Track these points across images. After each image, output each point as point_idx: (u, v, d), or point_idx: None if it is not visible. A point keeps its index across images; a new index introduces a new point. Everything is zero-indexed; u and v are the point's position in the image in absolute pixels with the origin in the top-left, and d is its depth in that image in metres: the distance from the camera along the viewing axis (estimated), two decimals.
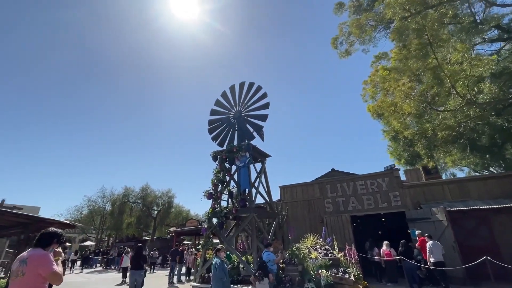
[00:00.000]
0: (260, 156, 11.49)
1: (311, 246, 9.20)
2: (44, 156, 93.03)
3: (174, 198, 27.94)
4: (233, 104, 12.41)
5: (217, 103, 12.82)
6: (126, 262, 10.52)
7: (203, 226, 9.97)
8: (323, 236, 9.66)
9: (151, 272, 16.48)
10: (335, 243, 8.96)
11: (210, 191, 10.28)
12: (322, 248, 8.93)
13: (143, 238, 27.20)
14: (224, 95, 12.72)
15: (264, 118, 11.18)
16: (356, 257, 7.83)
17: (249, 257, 9.18)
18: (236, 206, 9.53)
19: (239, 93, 12.25)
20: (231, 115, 12.34)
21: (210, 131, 12.49)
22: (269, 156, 11.92)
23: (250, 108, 11.79)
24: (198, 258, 10.69)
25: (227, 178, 10.55)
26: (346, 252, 8.66)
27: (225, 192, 10.23)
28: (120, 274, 11.80)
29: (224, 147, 11.27)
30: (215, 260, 5.53)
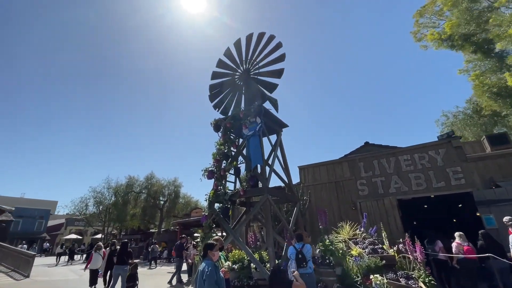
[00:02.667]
0: (275, 125, 8.97)
1: (349, 239, 6.69)
2: (58, 153, 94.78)
3: (181, 187, 26.09)
4: (239, 63, 9.86)
5: (220, 64, 10.30)
6: (97, 262, 7.64)
7: (203, 214, 7.66)
8: (363, 225, 7.10)
9: (151, 268, 14.58)
10: (383, 234, 6.40)
11: (211, 169, 7.92)
12: (366, 241, 6.40)
13: (150, 230, 25.63)
14: (228, 53, 10.17)
15: (279, 73, 8.62)
16: (421, 255, 5.26)
17: (263, 253, 6.81)
18: (244, 186, 7.12)
19: (246, 48, 9.67)
20: (236, 76, 9.83)
21: (212, 97, 10.06)
22: (286, 126, 9.38)
23: (260, 64, 9.22)
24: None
25: (233, 152, 8.12)
26: (402, 247, 6.12)
27: (231, 172, 7.81)
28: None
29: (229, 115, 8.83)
30: (204, 264, 3.14)
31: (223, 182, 7.79)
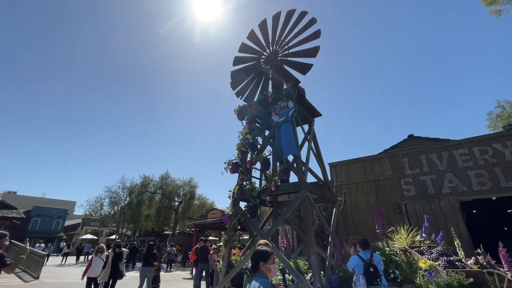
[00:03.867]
0: (307, 113, 7.81)
1: (410, 247, 5.36)
2: (79, 153, 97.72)
3: (197, 188, 25.20)
4: (264, 45, 8.78)
5: (243, 48, 9.26)
6: (96, 268, 5.96)
7: (226, 213, 6.57)
8: (424, 231, 5.74)
9: (168, 270, 13.63)
10: (456, 243, 5.05)
11: (235, 161, 6.84)
12: (434, 251, 5.05)
13: (164, 232, 24.88)
14: (252, 36, 9.11)
15: (313, 52, 7.47)
16: None
17: (300, 263, 5.60)
18: (276, 180, 5.97)
19: (273, 29, 8.58)
20: (262, 60, 8.75)
21: (234, 84, 9.02)
22: (319, 114, 8.20)
23: (290, 44, 8.10)
24: (220, 260, 7.35)
25: (260, 141, 7.01)
26: (482, 260, 4.77)
27: (256, 166, 6.69)
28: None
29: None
30: (257, 285, 1.95)
31: (250, 176, 6.69)
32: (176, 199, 24.41)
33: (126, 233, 27.52)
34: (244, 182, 6.61)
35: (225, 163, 7.04)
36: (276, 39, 8.52)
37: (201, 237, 9.83)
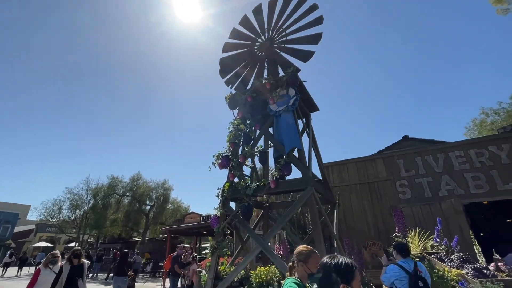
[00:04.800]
0: (304, 105, 7.12)
1: (427, 253, 4.77)
2: (37, 152, 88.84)
3: (172, 190, 23.33)
4: (259, 31, 8.02)
5: (234, 34, 8.42)
6: (45, 283, 4.24)
7: (214, 215, 5.55)
8: (437, 235, 5.22)
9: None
10: (476, 247, 4.56)
11: (225, 154, 5.90)
12: (454, 258, 4.50)
13: (133, 239, 22.63)
14: (245, 22, 8.31)
15: (315, 38, 6.84)
16: None
17: None
18: (275, 176, 5.12)
19: (269, 14, 7.87)
20: (256, 47, 7.98)
21: (223, 72, 8.12)
22: (316, 109, 7.57)
23: (288, 31, 7.43)
24: (203, 271, 6.27)
25: (257, 132, 6.15)
26: (504, 267, 4.31)
27: (256, 154, 5.81)
28: None
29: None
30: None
31: (242, 172, 5.77)
32: (147, 202, 22.38)
33: (88, 240, 24.69)
34: (236, 179, 5.69)
35: (213, 156, 6.06)
36: (272, 25, 7.79)
37: (178, 244, 8.61)
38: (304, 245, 1.82)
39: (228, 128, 6.50)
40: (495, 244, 6.87)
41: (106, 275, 14.24)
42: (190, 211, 16.54)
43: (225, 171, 5.96)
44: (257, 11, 8.16)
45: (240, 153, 5.94)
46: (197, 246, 15.93)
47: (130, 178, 22.58)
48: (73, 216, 23.32)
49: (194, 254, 7.55)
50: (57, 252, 4.97)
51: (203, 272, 6.28)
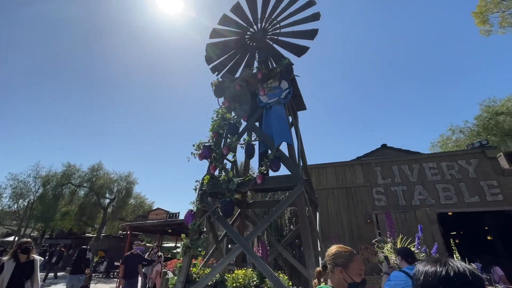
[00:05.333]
0: (294, 101, 6.85)
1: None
2: None
3: (136, 184, 21.57)
4: (252, 21, 7.61)
5: (224, 20, 7.91)
6: None
7: (189, 210, 4.95)
8: (417, 242, 5.20)
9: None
10: (456, 255, 4.57)
11: (206, 144, 5.37)
12: None
13: (86, 234, 20.49)
14: (237, 9, 7.84)
15: (311, 34, 6.61)
16: None
17: (282, 276, 4.43)
18: (263, 171, 4.71)
19: (264, 4, 7.52)
20: (247, 36, 7.56)
21: (209, 59, 7.56)
22: (304, 108, 7.35)
23: (283, 24, 7.13)
24: (170, 273, 5.61)
25: (243, 123, 5.69)
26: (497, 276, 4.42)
27: (241, 146, 5.37)
28: None
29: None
30: None
31: (224, 165, 5.27)
32: (107, 195, 20.37)
33: (31, 234, 21.81)
34: (217, 171, 5.17)
35: (193, 145, 5.48)
36: (266, 16, 7.43)
37: (136, 241, 7.67)
38: (339, 245, 1.44)
39: (211, 118, 5.97)
40: (460, 253, 7.16)
41: (44, 274, 12.24)
42: (156, 207, 15.37)
43: (202, 165, 5.42)
44: (251, 0, 7.77)
45: (223, 144, 5.45)
46: (160, 246, 14.74)
47: (90, 168, 20.42)
48: (15, 206, 20.46)
49: (160, 253, 6.79)
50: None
51: (170, 274, 5.62)
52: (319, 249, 4.69)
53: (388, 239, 4.26)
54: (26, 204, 20.07)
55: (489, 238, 9.84)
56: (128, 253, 6.63)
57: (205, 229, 4.90)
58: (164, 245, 21.95)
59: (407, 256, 2.64)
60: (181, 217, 13.10)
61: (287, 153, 5.02)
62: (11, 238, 25.05)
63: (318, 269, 1.45)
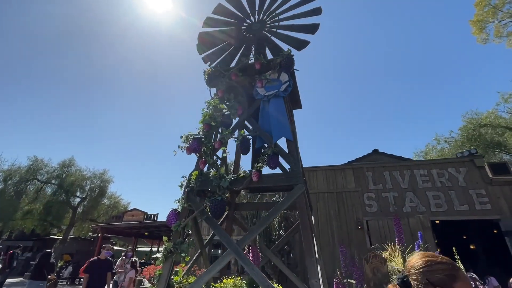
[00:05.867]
0: (289, 98, 6.48)
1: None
2: None
3: (111, 183, 20.05)
4: (249, 12, 7.23)
5: (219, 10, 7.44)
6: None
7: (173, 210, 4.35)
8: (417, 248, 4.94)
9: None
10: (459, 264, 4.27)
11: (196, 136, 4.83)
12: None
13: (51, 236, 18.69)
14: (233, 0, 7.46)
15: (311, 28, 6.29)
16: None
17: (276, 286, 3.94)
18: (258, 168, 4.23)
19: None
20: (243, 27, 7.14)
21: (201, 48, 7.02)
22: (300, 107, 6.99)
23: (282, 16, 6.79)
24: (146, 281, 4.93)
25: (237, 115, 5.20)
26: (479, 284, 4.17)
27: (235, 140, 4.89)
28: None
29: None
30: None
31: (215, 161, 4.74)
32: (78, 194, 18.70)
33: None
34: (207, 167, 4.63)
35: (181, 137, 4.90)
36: (264, 8, 7.10)
37: (105, 245, 6.58)
38: (426, 253, 1.01)
39: (202, 110, 5.42)
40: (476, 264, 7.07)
41: None
42: (132, 208, 14.18)
43: (186, 163, 4.88)
44: None
45: (215, 138, 4.92)
46: (138, 248, 13.66)
47: (60, 163, 18.71)
48: None
49: (135, 258, 6.03)
50: None
51: (146, 282, 4.93)
52: (317, 256, 4.27)
53: (398, 246, 3.91)
54: None
55: (472, 247, 9.98)
56: (94, 258, 5.50)
57: (190, 232, 4.31)
58: (138, 249, 20.59)
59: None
60: (160, 218, 12.18)
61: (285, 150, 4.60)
62: None
63: (393, 284, 1.02)
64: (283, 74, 5.31)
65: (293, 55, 5.43)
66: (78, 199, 18.86)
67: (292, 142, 4.63)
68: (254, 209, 6.71)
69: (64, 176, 18.25)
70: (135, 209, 13.06)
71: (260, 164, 4.30)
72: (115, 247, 17.77)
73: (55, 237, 19.14)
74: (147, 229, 11.68)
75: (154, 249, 18.88)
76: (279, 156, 4.41)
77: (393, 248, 4.72)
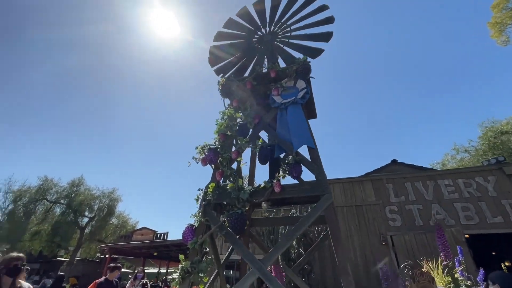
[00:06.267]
0: (303, 109, 6.27)
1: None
2: None
3: (119, 202, 19.78)
4: (260, 24, 7.27)
5: (229, 24, 7.50)
6: None
7: (189, 225, 4.05)
8: (460, 271, 4.44)
9: None
10: None
11: (212, 146, 4.63)
12: None
13: (58, 258, 18.25)
14: (243, 13, 7.48)
15: (325, 36, 6.22)
16: None
17: None
18: (279, 178, 3.95)
19: (273, 9, 7.23)
20: (255, 40, 7.14)
21: (213, 61, 7.02)
22: (315, 116, 6.77)
23: (294, 27, 6.78)
24: None
25: (254, 124, 4.99)
26: None
27: (253, 148, 4.67)
28: None
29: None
30: None
31: (233, 172, 4.48)
32: (86, 213, 18.49)
33: None
34: (225, 178, 4.37)
35: (196, 148, 4.70)
36: (275, 20, 7.13)
37: (111, 263, 5.99)
38: None
39: (216, 121, 5.26)
40: None
41: None
42: (141, 227, 13.75)
43: (197, 180, 4.62)
44: (259, 4, 7.47)
45: (231, 147, 4.70)
46: (148, 270, 13.07)
47: (69, 183, 18.67)
48: None
49: (145, 280, 5.64)
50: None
51: None
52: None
53: (445, 261, 3.47)
54: None
55: (506, 263, 9.17)
56: (101, 279, 4.93)
57: (208, 249, 3.97)
58: (146, 271, 19.87)
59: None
60: (170, 237, 11.79)
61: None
62: None
63: None
64: (300, 81, 5.15)
65: (309, 62, 5.30)
66: (86, 219, 18.60)
67: (314, 150, 4.36)
68: (271, 225, 6.32)
69: (73, 195, 18.14)
70: (144, 228, 12.66)
71: (281, 174, 4.02)
72: (125, 269, 17.21)
73: (62, 258, 18.71)
74: (157, 249, 11.23)
75: (162, 270, 18.19)
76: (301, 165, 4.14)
77: (430, 265, 4.27)
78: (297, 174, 3.98)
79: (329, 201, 3.53)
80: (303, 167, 4.11)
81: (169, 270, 16.71)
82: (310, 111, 6.58)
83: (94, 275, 14.70)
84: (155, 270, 19.46)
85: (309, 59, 5.90)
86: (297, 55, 6.39)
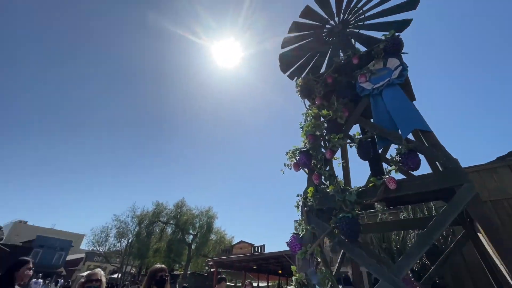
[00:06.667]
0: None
1: None
2: (95, 185, 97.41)
3: (215, 219, 21.82)
4: (327, 17, 6.83)
5: (294, 27, 7.32)
6: None
7: (294, 234, 3.82)
8: None
9: None
10: None
11: (303, 149, 4.37)
12: None
13: (174, 271, 21.07)
14: (307, 13, 7.16)
15: (400, 25, 5.24)
16: None
17: None
18: (391, 172, 3.32)
19: None
20: (324, 33, 6.74)
21: (285, 67, 6.96)
22: (413, 99, 5.73)
23: (367, 14, 6.05)
24: None
25: (344, 118, 4.51)
26: None
27: (351, 145, 4.21)
28: None
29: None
30: None
31: (332, 173, 4.07)
32: (190, 231, 21.04)
33: (131, 271, 23.81)
34: (322, 181, 4.00)
35: (286, 153, 4.55)
36: (350, 7, 6.51)
37: (220, 275, 6.26)
38: None
39: (300, 124, 5.04)
40: None
41: None
42: (239, 241, 14.67)
43: (284, 188, 4.35)
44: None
45: (323, 147, 4.33)
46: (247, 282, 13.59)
47: (174, 205, 21.93)
48: (119, 245, 23.04)
49: None
50: (98, 273, 2.52)
51: None
52: None
53: None
54: (126, 243, 22.40)
55: None
56: None
57: (319, 260, 3.62)
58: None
59: None
60: (267, 250, 12.03)
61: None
62: (115, 276, 28.02)
63: None
64: (391, 59, 4.44)
65: (399, 35, 4.54)
66: (191, 236, 21.12)
67: (430, 133, 3.54)
68: (381, 231, 5.46)
69: (179, 216, 21.11)
70: (242, 242, 13.29)
71: (393, 167, 3.39)
72: (229, 283, 18.35)
73: (178, 272, 21.55)
74: (256, 261, 11.49)
75: (262, 284, 18.53)
76: (417, 154, 3.40)
77: None
78: (414, 165, 3.28)
79: (472, 192, 2.71)
80: (420, 156, 3.37)
81: (269, 284, 16.85)
82: (406, 93, 5.62)
83: (204, 287, 16.13)
84: (255, 284, 20.02)
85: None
86: (377, 35, 5.65)
